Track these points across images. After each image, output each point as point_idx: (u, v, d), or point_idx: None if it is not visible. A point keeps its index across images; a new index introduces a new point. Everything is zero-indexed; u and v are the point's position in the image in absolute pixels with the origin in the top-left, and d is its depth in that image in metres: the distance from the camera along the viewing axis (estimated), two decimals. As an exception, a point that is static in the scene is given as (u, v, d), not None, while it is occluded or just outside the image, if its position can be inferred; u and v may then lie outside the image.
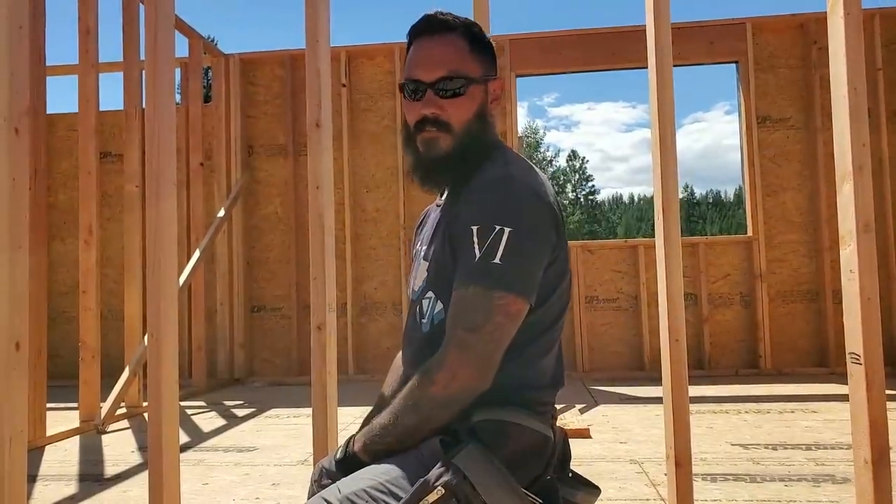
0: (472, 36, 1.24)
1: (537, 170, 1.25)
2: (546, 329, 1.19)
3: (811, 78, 6.02)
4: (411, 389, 1.12)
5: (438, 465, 1.05)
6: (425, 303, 1.23)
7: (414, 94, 1.23)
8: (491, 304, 1.08)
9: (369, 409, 1.40)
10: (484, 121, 1.25)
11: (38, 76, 3.83)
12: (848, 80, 1.57)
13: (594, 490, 1.22)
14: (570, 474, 1.23)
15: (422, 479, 1.03)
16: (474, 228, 1.10)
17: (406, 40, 1.28)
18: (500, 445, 1.09)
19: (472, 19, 1.26)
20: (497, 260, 1.08)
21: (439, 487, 1.01)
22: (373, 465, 1.12)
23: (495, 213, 1.11)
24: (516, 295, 1.10)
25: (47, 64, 4.07)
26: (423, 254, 1.29)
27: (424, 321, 1.22)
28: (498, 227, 1.09)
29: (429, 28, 1.23)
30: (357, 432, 1.22)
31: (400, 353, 1.40)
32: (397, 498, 1.04)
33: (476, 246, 1.09)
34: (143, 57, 1.72)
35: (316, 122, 1.95)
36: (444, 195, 1.32)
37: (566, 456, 1.24)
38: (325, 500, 1.06)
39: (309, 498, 1.17)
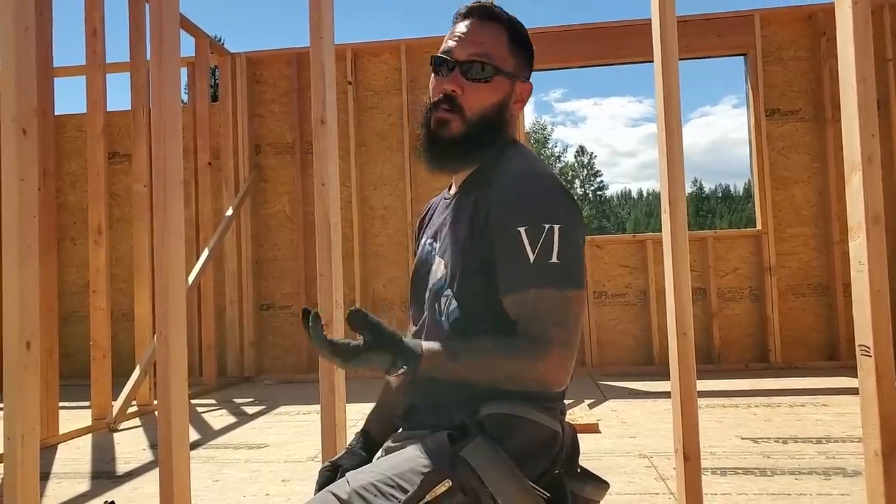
0: (514, 32, 1.24)
1: None
2: None
3: (820, 69, 5.97)
4: (505, 363, 1.08)
5: (446, 458, 1.05)
6: (443, 300, 1.22)
7: (441, 67, 1.23)
8: (568, 301, 1.09)
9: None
10: (502, 115, 1.24)
11: (45, 77, 3.86)
12: (856, 70, 1.56)
13: (602, 485, 1.21)
14: (579, 469, 1.23)
15: (429, 472, 1.04)
16: (522, 230, 1.09)
17: (445, 28, 1.29)
18: (508, 439, 1.09)
19: (519, 21, 1.26)
20: (555, 259, 1.08)
21: (446, 480, 1.01)
22: (381, 459, 1.12)
23: (540, 213, 1.10)
24: (579, 289, 1.11)
25: (55, 65, 4.10)
26: (437, 251, 1.27)
27: (443, 319, 1.21)
28: (547, 227, 1.09)
29: (476, 11, 1.24)
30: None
31: None
32: (405, 491, 1.04)
33: (528, 247, 1.09)
34: (150, 57, 1.73)
35: (321, 120, 1.95)
36: (452, 188, 1.32)
37: (575, 451, 1.24)
38: (334, 494, 1.07)
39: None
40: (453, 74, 1.20)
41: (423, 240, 1.35)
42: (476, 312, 1.16)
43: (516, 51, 1.24)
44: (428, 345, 1.10)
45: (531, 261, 1.08)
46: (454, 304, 1.19)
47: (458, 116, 1.20)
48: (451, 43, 1.23)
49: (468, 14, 1.24)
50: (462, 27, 1.23)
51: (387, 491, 1.05)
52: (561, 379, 1.09)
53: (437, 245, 1.27)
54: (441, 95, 1.21)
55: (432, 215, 1.38)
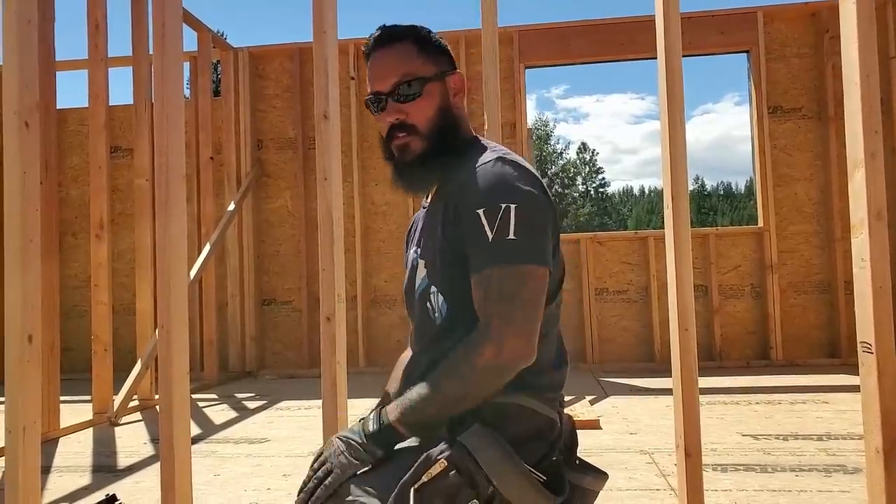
0: (419, 39, 1.28)
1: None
2: (546, 304, 1.19)
3: (823, 67, 5.96)
4: (455, 362, 1.10)
5: (442, 441, 1.07)
6: (432, 297, 1.24)
7: (376, 105, 1.28)
8: (520, 275, 1.10)
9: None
10: (449, 115, 1.28)
11: (47, 71, 3.86)
12: (860, 65, 1.56)
13: (601, 475, 1.23)
14: (577, 461, 1.24)
15: (424, 454, 1.05)
16: (480, 212, 1.12)
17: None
18: (505, 426, 1.11)
19: (420, 25, 1.31)
20: (511, 236, 1.10)
21: (441, 460, 1.03)
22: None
23: (497, 193, 1.13)
24: (537, 264, 1.12)
25: (57, 59, 4.10)
26: (419, 253, 1.31)
27: (436, 315, 1.23)
28: (504, 206, 1.11)
29: (377, 42, 1.28)
30: (385, 404, 1.20)
31: (405, 353, 1.41)
32: (398, 478, 1.05)
33: (486, 227, 1.11)
34: (152, 51, 1.74)
35: (324, 114, 1.95)
36: (429, 198, 1.34)
37: (573, 442, 1.25)
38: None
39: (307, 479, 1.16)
40: (389, 106, 1.26)
41: (410, 250, 1.39)
42: (463, 303, 1.17)
43: (429, 54, 1.28)
44: (390, 407, 1.14)
45: (490, 240, 1.11)
46: (441, 299, 1.22)
47: (414, 136, 1.25)
48: (373, 82, 1.28)
49: (372, 49, 1.29)
50: (375, 64, 1.29)
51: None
52: (518, 352, 1.08)
53: (420, 251, 1.31)
54: (389, 126, 1.27)
55: (416, 229, 1.41)
